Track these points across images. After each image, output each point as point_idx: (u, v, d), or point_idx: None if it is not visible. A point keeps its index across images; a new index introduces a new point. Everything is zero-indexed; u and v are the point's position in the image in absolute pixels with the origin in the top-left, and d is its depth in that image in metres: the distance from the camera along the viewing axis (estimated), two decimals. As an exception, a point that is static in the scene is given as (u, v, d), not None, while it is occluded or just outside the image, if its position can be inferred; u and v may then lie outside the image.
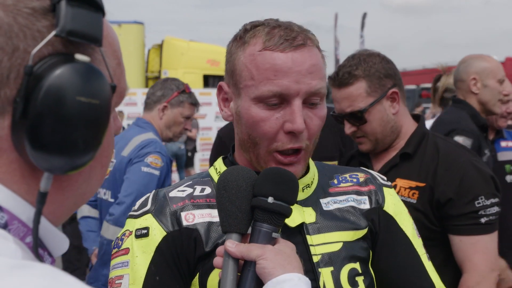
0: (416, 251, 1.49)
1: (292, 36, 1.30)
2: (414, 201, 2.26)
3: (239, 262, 1.17)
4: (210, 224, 1.34)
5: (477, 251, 2.18)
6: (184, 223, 1.34)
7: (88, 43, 0.74)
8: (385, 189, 1.53)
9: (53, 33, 0.71)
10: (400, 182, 2.32)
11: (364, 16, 25.61)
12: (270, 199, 1.16)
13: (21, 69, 0.71)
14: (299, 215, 1.38)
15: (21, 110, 0.70)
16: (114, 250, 1.38)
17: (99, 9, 0.76)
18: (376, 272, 1.45)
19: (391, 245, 1.46)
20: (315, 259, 1.36)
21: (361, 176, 1.53)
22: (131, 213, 1.40)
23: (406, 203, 2.04)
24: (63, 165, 0.73)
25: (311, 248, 1.36)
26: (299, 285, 1.09)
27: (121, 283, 1.31)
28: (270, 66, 1.29)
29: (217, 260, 1.19)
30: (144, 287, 1.30)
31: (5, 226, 0.71)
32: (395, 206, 1.51)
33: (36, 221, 0.73)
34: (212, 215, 1.35)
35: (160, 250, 1.32)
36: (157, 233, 1.33)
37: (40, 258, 0.75)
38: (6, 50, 0.70)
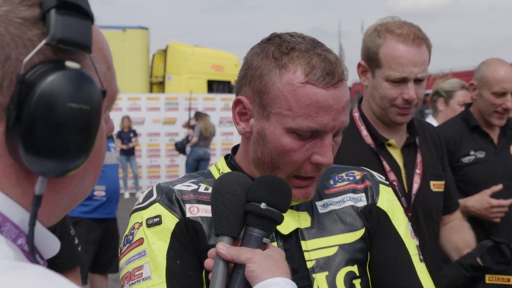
0: (407, 250, 1.47)
1: (332, 70, 1.30)
2: None
3: (229, 264, 1.20)
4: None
5: None
6: (188, 214, 1.35)
7: (78, 50, 0.77)
8: (381, 186, 1.53)
9: (44, 41, 0.74)
10: None
11: (363, 26, 26.98)
12: (263, 205, 1.19)
13: (13, 77, 0.73)
14: (293, 221, 1.38)
15: (15, 116, 0.72)
16: (125, 247, 1.36)
17: (88, 17, 0.78)
18: (370, 267, 1.44)
19: (381, 240, 1.46)
20: (309, 264, 1.36)
21: (358, 174, 1.53)
22: (136, 207, 1.39)
23: None
24: (56, 169, 0.75)
25: (305, 253, 1.37)
26: None
27: (141, 273, 1.30)
28: (311, 102, 1.28)
29: (208, 262, 1.22)
30: (168, 271, 1.29)
31: None
32: (389, 202, 1.51)
33: (32, 223, 0.76)
34: None
35: (176, 235, 1.33)
36: (170, 219, 1.34)
37: (34, 259, 0.77)
38: None
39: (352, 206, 1.46)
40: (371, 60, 2.29)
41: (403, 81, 2.22)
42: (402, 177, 2.33)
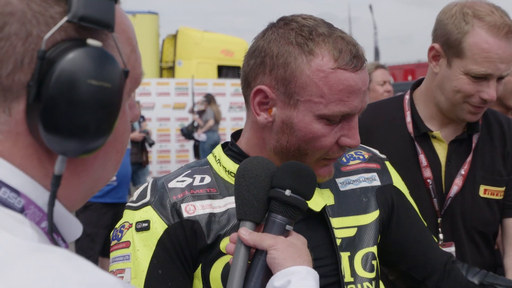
0: (424, 224, 1.57)
1: (357, 52, 1.30)
2: None
3: (251, 250, 1.18)
4: (211, 215, 1.34)
5: None
6: (185, 214, 1.33)
7: (100, 28, 0.76)
8: (387, 163, 1.57)
9: (65, 18, 0.73)
10: None
11: (371, 8, 27.05)
12: (288, 192, 1.17)
13: (34, 54, 0.72)
14: (321, 198, 1.37)
15: (35, 93, 0.72)
16: (114, 242, 1.37)
17: None
18: (394, 245, 1.51)
19: (406, 219, 1.52)
20: (337, 242, 1.37)
21: (365, 153, 1.55)
22: (129, 204, 1.39)
23: None
24: (75, 148, 0.74)
25: (335, 231, 1.37)
26: (307, 278, 1.11)
27: (122, 277, 1.32)
28: (344, 87, 1.28)
29: (229, 247, 1.20)
30: (146, 281, 1.30)
31: (22, 211, 0.73)
32: (399, 180, 1.56)
33: (51, 203, 0.74)
34: (213, 205, 1.35)
35: (162, 243, 1.32)
36: (158, 226, 1.32)
37: (54, 242, 0.76)
38: (20, 35, 0.72)
39: (368, 187, 1.47)
40: (450, 47, 1.95)
41: (485, 78, 1.92)
42: (441, 176, 2.07)
